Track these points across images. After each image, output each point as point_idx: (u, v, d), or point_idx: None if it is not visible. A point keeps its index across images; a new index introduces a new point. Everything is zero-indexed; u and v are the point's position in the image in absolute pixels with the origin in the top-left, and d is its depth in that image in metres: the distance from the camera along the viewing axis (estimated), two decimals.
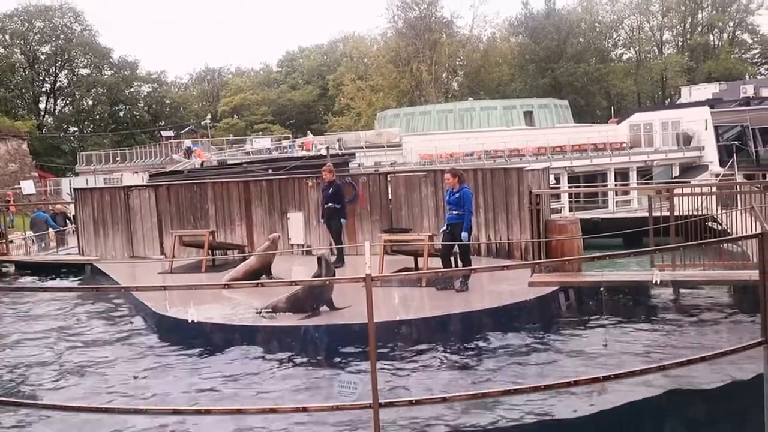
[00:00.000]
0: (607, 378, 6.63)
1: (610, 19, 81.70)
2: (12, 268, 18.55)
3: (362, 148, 40.77)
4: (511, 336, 9.76)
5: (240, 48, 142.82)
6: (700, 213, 13.10)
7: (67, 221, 24.03)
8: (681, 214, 12.46)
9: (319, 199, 15.42)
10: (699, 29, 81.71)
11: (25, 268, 18.15)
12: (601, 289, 10.45)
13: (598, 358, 8.89)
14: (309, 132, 57.45)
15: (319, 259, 10.84)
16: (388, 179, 16.25)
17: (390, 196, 16.03)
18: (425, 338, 9.60)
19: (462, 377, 8.43)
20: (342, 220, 14.43)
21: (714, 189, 17.79)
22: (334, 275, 10.83)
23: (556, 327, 10.45)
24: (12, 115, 62.43)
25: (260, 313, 10.51)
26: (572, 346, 9.50)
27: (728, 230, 14.85)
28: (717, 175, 36.59)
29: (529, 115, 51.99)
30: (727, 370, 7.75)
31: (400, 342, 9.46)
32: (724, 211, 15.27)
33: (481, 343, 9.53)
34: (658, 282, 9.90)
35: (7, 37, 75.61)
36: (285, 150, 46.31)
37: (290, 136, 64.68)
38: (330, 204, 14.30)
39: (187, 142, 52.64)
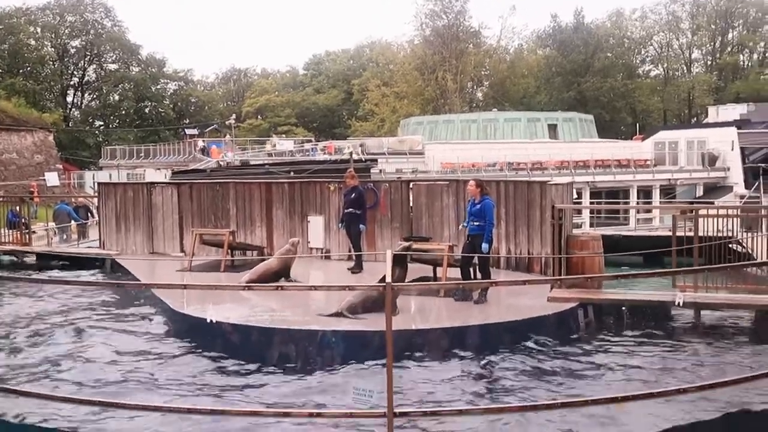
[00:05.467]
0: (625, 398, 6.55)
1: (639, 35, 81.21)
2: (33, 259, 18.73)
3: (384, 154, 40.75)
4: (528, 350, 9.68)
5: (267, 50, 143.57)
6: (723, 235, 12.94)
7: (89, 214, 24.25)
8: (704, 234, 12.33)
9: (340, 203, 15.42)
10: (729, 49, 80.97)
11: (46, 258, 18.29)
12: (623, 308, 10.33)
13: (619, 375, 8.80)
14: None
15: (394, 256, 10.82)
16: (410, 187, 16.22)
17: (411, 204, 15.99)
18: (442, 348, 9.53)
19: (478, 390, 8.35)
20: (361, 226, 14.43)
21: (738, 211, 17.58)
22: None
23: (575, 343, 10.34)
24: (39, 107, 63.06)
25: (342, 313, 10.41)
26: (590, 363, 9.39)
27: (752, 253, 14.67)
28: (742, 197, 36.19)
29: (553, 128, 51.74)
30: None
31: (417, 351, 9.40)
32: (747, 233, 15.10)
33: (497, 357, 9.45)
34: (681, 304, 9.78)
35: (39, 29, 76.58)
36: (307, 153, 46.41)
37: (312, 139, 64.75)
38: (351, 209, 14.31)
39: (200, 142, 52.99)
